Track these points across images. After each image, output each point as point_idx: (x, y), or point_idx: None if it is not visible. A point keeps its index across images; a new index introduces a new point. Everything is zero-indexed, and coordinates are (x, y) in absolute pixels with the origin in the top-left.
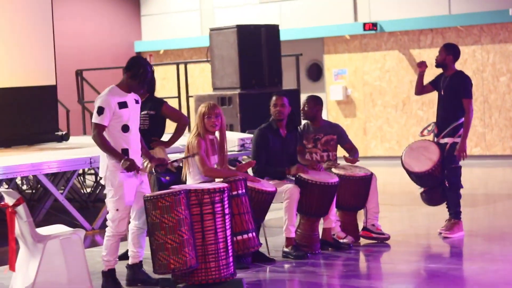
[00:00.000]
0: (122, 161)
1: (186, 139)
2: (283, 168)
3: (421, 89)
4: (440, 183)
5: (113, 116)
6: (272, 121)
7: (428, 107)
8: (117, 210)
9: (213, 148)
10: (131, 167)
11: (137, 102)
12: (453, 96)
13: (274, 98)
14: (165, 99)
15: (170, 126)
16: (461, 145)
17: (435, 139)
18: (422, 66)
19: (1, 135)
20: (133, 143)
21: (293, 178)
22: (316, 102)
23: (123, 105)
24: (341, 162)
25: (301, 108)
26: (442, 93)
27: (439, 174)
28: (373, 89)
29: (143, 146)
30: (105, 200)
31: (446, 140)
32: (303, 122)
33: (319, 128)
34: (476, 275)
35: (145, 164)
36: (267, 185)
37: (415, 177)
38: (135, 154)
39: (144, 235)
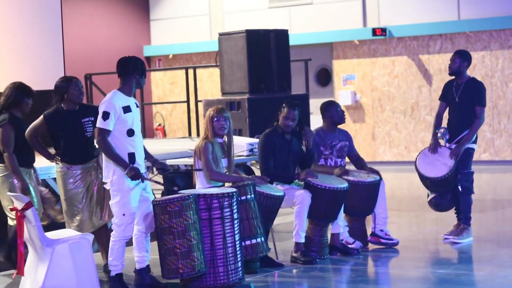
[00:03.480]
0: (128, 169)
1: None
2: (292, 173)
3: (440, 116)
4: (451, 189)
5: (118, 121)
6: (277, 126)
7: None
8: (123, 215)
9: (223, 151)
10: (136, 175)
11: (137, 106)
12: (469, 103)
13: (286, 110)
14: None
15: None
16: (459, 147)
17: (447, 145)
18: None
19: None
20: (139, 147)
21: (302, 183)
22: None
23: (127, 109)
24: (349, 167)
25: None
26: (457, 100)
27: (453, 179)
28: (381, 94)
29: (144, 149)
30: (110, 204)
31: None
32: (314, 128)
33: (334, 135)
34: (485, 280)
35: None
36: (275, 189)
37: (430, 182)
38: (141, 158)
39: (148, 239)
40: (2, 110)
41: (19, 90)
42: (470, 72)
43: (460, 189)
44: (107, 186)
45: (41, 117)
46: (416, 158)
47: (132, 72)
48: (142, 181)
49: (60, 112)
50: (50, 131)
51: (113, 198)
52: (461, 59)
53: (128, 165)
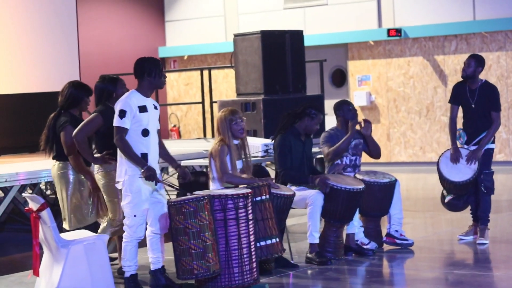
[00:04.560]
0: (144, 169)
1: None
2: (307, 176)
3: (455, 121)
4: (470, 190)
5: (133, 120)
6: (294, 128)
7: None
8: (134, 216)
9: (238, 153)
10: (151, 177)
11: (155, 107)
12: (486, 108)
13: (317, 116)
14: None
15: None
16: (477, 151)
17: (465, 146)
18: None
19: (26, 140)
20: (152, 148)
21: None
22: None
23: (143, 109)
24: (364, 168)
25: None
26: (473, 106)
27: (475, 181)
28: (397, 95)
29: (167, 152)
30: (121, 205)
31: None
32: (329, 127)
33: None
34: (500, 281)
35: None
36: (285, 189)
37: (454, 186)
38: (154, 159)
39: (162, 240)
40: (61, 111)
41: (78, 89)
42: (485, 73)
43: (483, 190)
44: (118, 186)
45: (94, 114)
46: (438, 162)
47: (143, 73)
48: (156, 184)
49: (112, 109)
50: (105, 126)
51: (124, 199)
52: (477, 63)
53: (145, 165)
